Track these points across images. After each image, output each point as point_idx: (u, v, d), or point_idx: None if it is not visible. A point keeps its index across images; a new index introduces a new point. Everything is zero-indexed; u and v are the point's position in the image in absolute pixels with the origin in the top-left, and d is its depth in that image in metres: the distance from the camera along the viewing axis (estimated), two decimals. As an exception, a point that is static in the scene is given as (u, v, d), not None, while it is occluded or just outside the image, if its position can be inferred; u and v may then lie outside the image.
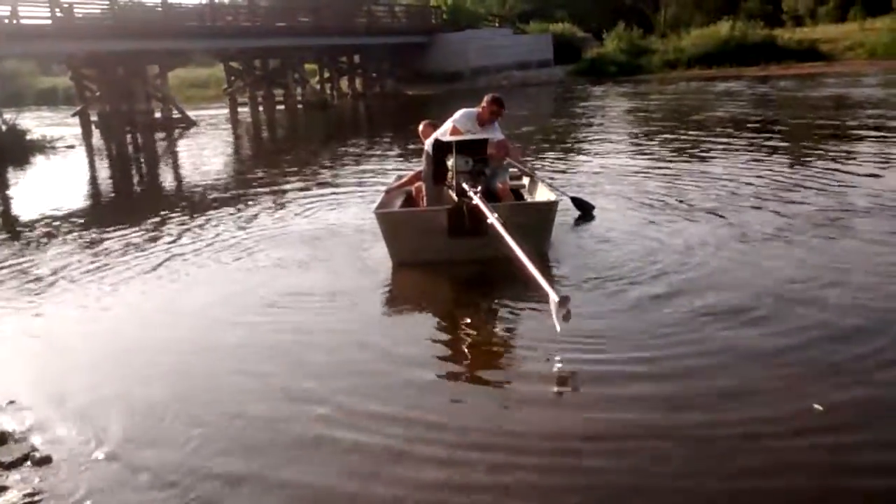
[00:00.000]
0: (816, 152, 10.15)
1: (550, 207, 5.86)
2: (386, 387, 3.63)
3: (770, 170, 8.93)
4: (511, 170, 6.83)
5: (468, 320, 4.55)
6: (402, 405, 3.40)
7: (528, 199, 6.67)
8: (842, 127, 13.10)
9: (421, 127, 6.62)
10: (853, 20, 36.82)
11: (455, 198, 5.43)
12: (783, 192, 7.57)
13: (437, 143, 5.64)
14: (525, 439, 3.04)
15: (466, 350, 4.24)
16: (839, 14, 39.62)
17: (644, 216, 6.86)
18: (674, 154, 11.05)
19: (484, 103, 6.07)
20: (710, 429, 3.03)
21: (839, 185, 7.70)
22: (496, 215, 4.73)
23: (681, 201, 7.38)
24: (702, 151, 11.01)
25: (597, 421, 3.16)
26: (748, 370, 3.55)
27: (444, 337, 4.53)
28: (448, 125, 6.06)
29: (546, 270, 4.73)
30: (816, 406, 3.10)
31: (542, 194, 6.50)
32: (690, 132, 13.92)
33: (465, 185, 5.26)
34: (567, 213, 6.78)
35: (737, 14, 37.82)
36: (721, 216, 6.63)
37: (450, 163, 5.45)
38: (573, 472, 2.82)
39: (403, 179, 7.01)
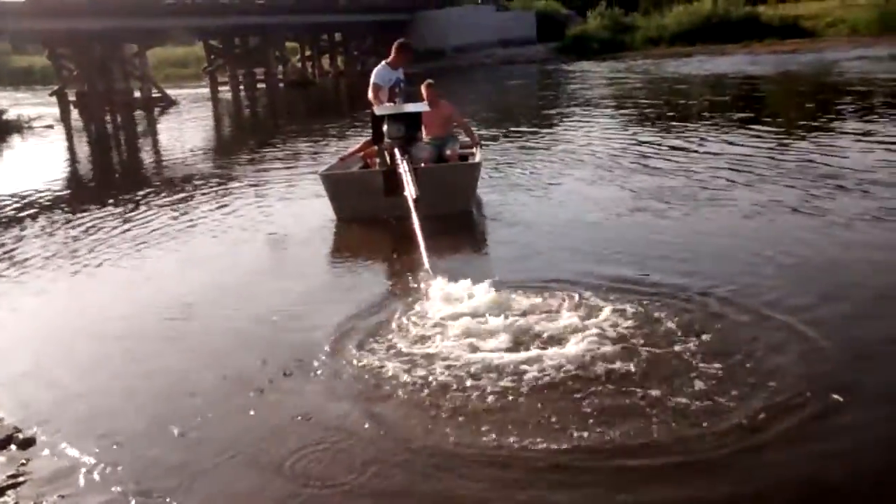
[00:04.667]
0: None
1: (472, 169, 6.51)
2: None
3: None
4: (463, 139, 7.23)
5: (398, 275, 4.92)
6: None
7: None
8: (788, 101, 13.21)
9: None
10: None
11: (388, 161, 5.99)
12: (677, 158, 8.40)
13: (372, 114, 6.11)
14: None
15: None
16: (821, -11, 39.58)
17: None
18: (628, 126, 11.17)
19: (393, 51, 6.50)
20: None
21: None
22: (414, 189, 5.21)
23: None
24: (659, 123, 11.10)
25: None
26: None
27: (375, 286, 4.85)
28: (376, 83, 6.34)
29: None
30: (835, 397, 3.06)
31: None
32: (652, 107, 14.01)
33: (396, 151, 5.79)
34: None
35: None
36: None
37: (385, 129, 5.95)
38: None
39: (355, 147, 7.34)
